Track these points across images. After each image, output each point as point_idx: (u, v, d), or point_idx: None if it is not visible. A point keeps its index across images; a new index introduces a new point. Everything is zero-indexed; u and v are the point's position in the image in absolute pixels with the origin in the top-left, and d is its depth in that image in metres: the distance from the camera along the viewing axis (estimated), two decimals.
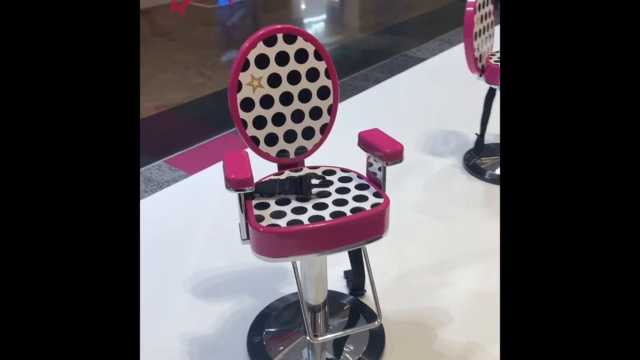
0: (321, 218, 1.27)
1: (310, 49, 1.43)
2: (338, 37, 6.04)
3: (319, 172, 1.47)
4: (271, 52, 1.39)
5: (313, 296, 1.50)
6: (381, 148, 1.33)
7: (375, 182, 1.42)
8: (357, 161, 1.62)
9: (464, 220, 2.11)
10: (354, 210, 1.29)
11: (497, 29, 2.68)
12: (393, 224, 2.21)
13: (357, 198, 1.35)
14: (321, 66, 1.45)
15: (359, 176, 1.45)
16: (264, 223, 1.25)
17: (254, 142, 1.45)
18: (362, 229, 1.29)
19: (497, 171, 2.36)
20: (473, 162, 2.40)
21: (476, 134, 2.38)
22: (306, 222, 1.25)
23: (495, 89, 2.23)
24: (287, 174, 1.47)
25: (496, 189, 2.30)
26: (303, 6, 7.87)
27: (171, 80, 4.21)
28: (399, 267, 1.87)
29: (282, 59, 1.41)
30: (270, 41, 1.39)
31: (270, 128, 1.45)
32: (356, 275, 1.68)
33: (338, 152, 2.12)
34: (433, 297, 1.74)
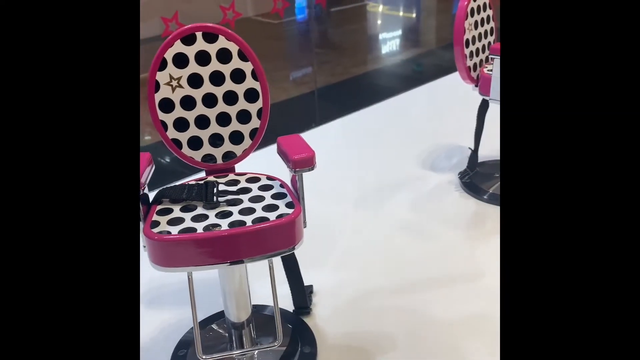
0: (217, 226, 1.18)
1: (233, 48, 1.35)
2: (411, 51, 5.96)
3: (243, 179, 1.39)
4: (190, 51, 1.33)
5: (234, 312, 1.40)
6: (289, 154, 1.22)
7: (298, 192, 1.31)
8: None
9: (447, 240, 1.93)
10: (256, 220, 1.19)
11: None
12: (367, 240, 2.12)
13: (267, 207, 1.24)
14: (247, 67, 1.37)
15: (283, 185, 1.35)
16: (156, 230, 1.18)
17: (176, 145, 1.39)
18: (263, 240, 1.19)
19: (491, 189, 2.16)
20: (467, 179, 2.21)
21: (469, 148, 2.19)
22: (200, 230, 1.17)
23: (488, 101, 2.04)
24: (210, 179, 1.39)
25: (488, 209, 2.09)
26: (379, 21, 7.87)
27: None
28: (359, 286, 1.73)
29: (202, 58, 1.34)
30: (188, 40, 1.33)
31: (193, 131, 1.38)
32: (294, 292, 1.56)
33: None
34: (386, 321, 1.59)
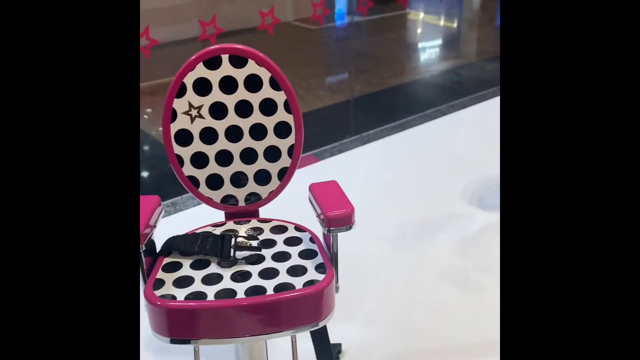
0: (232, 294, 0.97)
1: (264, 75, 1.15)
2: (450, 63, 5.76)
3: (267, 227, 1.18)
4: (214, 76, 1.13)
5: None
6: (324, 210, 1.01)
7: (331, 249, 1.10)
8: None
9: (496, 294, 1.69)
10: (279, 288, 0.98)
11: None
12: (404, 290, 1.86)
13: (292, 270, 1.03)
14: (279, 97, 1.16)
15: (313, 239, 1.14)
16: (159, 292, 0.98)
17: (193, 183, 1.19)
18: (286, 313, 0.98)
19: None
20: None
21: None
22: (211, 297, 0.97)
23: None
24: (229, 225, 1.19)
25: None
26: (419, 30, 7.65)
27: None
28: (394, 347, 1.51)
29: (228, 85, 1.14)
30: (212, 63, 1.13)
31: (212, 168, 1.18)
32: (320, 355, 1.35)
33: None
34: None
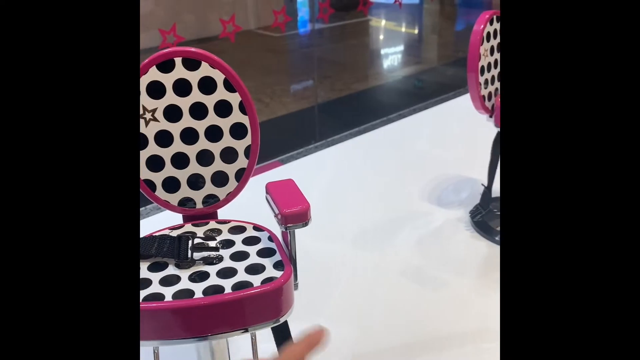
0: (190, 294, 0.98)
1: (218, 77, 1.16)
2: (412, 68, 5.86)
3: (226, 228, 1.19)
4: (167, 80, 1.14)
5: None
6: (279, 207, 1.03)
7: (289, 247, 1.11)
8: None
9: (457, 290, 1.73)
10: (236, 286, 0.99)
11: None
12: (366, 288, 1.85)
13: (250, 268, 1.05)
14: (234, 99, 1.18)
15: (272, 238, 1.15)
16: None
17: (149, 186, 1.19)
18: (244, 311, 0.99)
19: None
20: (479, 218, 2.01)
21: (483, 185, 1.99)
22: (169, 298, 0.97)
23: None
24: (187, 228, 1.19)
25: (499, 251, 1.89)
26: (381, 36, 7.75)
27: None
28: (357, 345, 1.53)
29: (182, 87, 1.15)
30: (165, 66, 1.13)
31: (169, 171, 1.19)
32: None
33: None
34: None
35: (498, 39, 1.88)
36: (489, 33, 1.82)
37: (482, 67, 1.81)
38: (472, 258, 1.88)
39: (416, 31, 7.63)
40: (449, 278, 1.79)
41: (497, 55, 1.89)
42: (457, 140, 2.83)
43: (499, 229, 1.97)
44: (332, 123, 4.40)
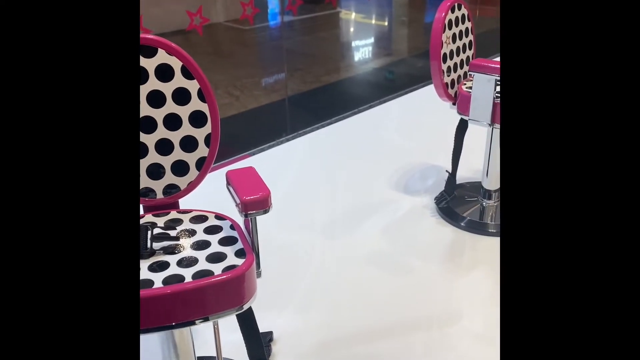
0: (149, 284, 0.97)
1: (175, 64, 1.14)
2: (383, 60, 5.88)
3: (187, 217, 1.18)
4: None
5: None
6: (239, 194, 1.02)
7: (251, 234, 1.11)
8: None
9: (423, 275, 1.75)
10: (197, 275, 0.99)
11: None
12: (335, 276, 1.85)
13: (212, 257, 1.04)
14: (192, 86, 1.17)
15: (234, 226, 1.15)
16: None
17: None
18: (206, 299, 0.98)
19: (468, 214, 1.99)
20: (444, 205, 2.04)
21: (447, 171, 2.02)
22: None
23: (467, 121, 1.88)
24: (147, 218, 1.18)
25: (465, 237, 1.93)
26: (351, 28, 7.74)
27: None
28: (326, 331, 1.54)
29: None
30: None
31: None
32: (249, 343, 1.36)
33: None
34: None
35: (460, 27, 1.90)
36: (450, 20, 1.84)
37: (445, 54, 1.83)
38: (437, 244, 1.91)
39: (386, 23, 7.66)
40: (416, 264, 1.81)
41: (459, 43, 1.91)
42: (424, 129, 2.86)
43: (464, 214, 2.01)
44: (303, 116, 4.39)
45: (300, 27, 7.52)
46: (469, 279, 1.73)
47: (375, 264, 1.82)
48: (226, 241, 1.09)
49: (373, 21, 8.25)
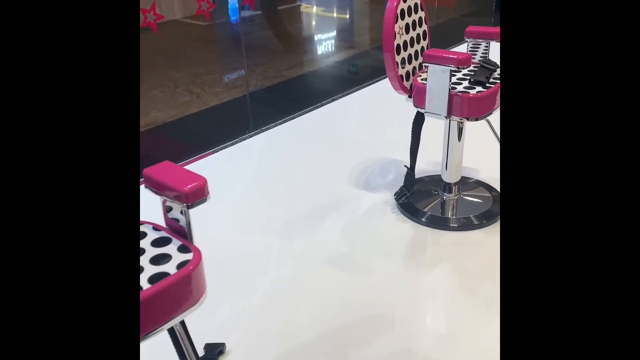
0: None
1: None
2: (345, 53, 5.83)
3: None
4: None
5: None
6: (178, 187, 0.95)
7: (180, 232, 1.03)
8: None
9: (384, 273, 1.70)
10: (153, 279, 0.91)
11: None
12: (293, 279, 1.74)
13: (156, 259, 0.96)
14: None
15: (156, 227, 1.07)
16: None
17: None
18: (167, 302, 0.91)
19: (429, 209, 1.95)
20: (404, 200, 1.99)
21: (405, 166, 1.97)
22: None
23: (423, 114, 1.82)
24: None
25: (426, 233, 1.88)
26: (312, 22, 7.66)
27: (158, 99, 3.99)
28: (284, 340, 1.47)
29: None
30: None
31: None
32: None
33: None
34: None
35: (413, 16, 1.84)
36: (402, 10, 1.78)
37: (398, 45, 1.78)
38: (398, 241, 1.86)
39: (347, 16, 7.61)
40: (376, 262, 1.75)
41: (413, 33, 1.85)
42: (385, 122, 2.81)
43: (425, 210, 1.96)
44: (265, 111, 4.30)
45: (260, 22, 7.40)
46: (431, 277, 1.69)
47: (336, 264, 1.76)
48: (159, 242, 1.01)
49: (334, 14, 8.18)
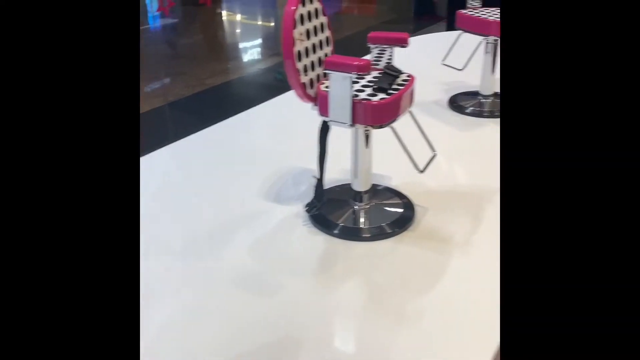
0: None
1: None
2: (270, 60, 5.71)
3: None
4: None
5: None
6: None
7: None
8: None
9: (295, 292, 1.61)
10: None
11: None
12: (195, 304, 1.59)
13: None
14: None
15: None
16: None
17: None
18: None
19: (341, 220, 1.89)
20: (315, 212, 1.91)
21: (314, 177, 1.90)
22: None
23: (328, 122, 1.76)
24: None
25: (339, 246, 1.81)
26: (236, 30, 7.50)
27: None
28: None
29: None
30: None
31: None
32: None
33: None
34: None
35: (314, 21, 1.78)
36: (302, 15, 1.71)
37: (299, 52, 1.70)
38: (309, 256, 1.78)
39: (272, 23, 7.54)
40: (286, 280, 1.66)
41: (315, 39, 1.79)
42: (298, 130, 2.74)
43: (337, 221, 1.90)
44: (187, 121, 4.13)
45: (183, 29, 7.18)
46: (341, 292, 1.62)
47: (242, 285, 1.65)
48: None
49: (259, 22, 8.08)
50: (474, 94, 2.92)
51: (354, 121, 1.67)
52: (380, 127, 1.70)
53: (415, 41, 3.66)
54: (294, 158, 2.40)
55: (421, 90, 3.08)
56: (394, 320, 1.50)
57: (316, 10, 1.79)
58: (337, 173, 2.17)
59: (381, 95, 1.67)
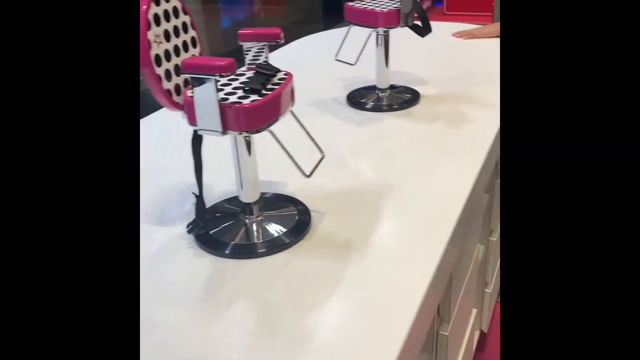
0: None
1: None
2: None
3: None
4: None
5: None
6: None
7: None
8: None
9: (173, 325, 1.43)
10: None
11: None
12: None
13: None
14: None
15: None
16: None
17: None
18: None
19: (233, 238, 1.72)
20: (198, 231, 1.73)
21: (193, 193, 1.72)
22: None
23: (198, 132, 1.59)
24: None
25: (227, 266, 1.65)
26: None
27: None
28: None
29: None
30: None
31: None
32: None
33: None
34: None
35: (174, 21, 1.60)
36: (157, 15, 1.53)
37: (158, 56, 1.52)
38: (192, 282, 1.59)
39: None
40: (164, 315, 1.47)
41: (176, 41, 1.61)
42: (183, 142, 2.53)
43: (226, 239, 1.73)
44: None
45: None
46: (227, 318, 1.45)
47: None
48: None
49: None
50: (372, 89, 2.84)
51: (226, 128, 1.50)
52: (257, 131, 1.55)
53: (310, 39, 3.55)
54: (177, 173, 2.19)
55: (319, 89, 2.96)
56: (288, 345, 1.35)
57: (175, 8, 1.61)
58: (228, 184, 2.01)
59: (253, 97, 1.52)
